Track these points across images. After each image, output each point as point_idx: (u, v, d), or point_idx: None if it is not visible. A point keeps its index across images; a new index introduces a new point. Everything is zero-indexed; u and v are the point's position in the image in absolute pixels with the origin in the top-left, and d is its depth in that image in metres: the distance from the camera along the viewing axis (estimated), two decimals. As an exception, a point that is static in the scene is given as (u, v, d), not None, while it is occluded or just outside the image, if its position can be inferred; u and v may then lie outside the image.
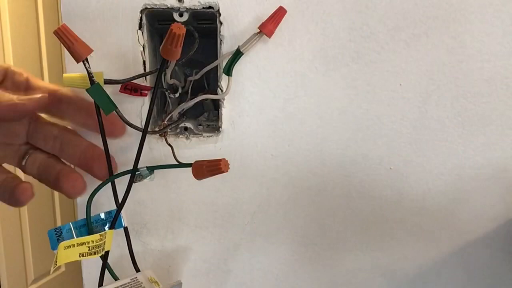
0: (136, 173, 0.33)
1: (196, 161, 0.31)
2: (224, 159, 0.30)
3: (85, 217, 0.32)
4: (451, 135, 0.37)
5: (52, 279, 1.43)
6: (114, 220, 0.33)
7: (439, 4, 0.34)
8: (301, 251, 0.39)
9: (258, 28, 0.32)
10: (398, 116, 0.36)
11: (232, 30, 0.33)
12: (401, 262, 0.40)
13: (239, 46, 0.32)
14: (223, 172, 0.29)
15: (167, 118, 0.34)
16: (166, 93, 0.35)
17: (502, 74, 0.35)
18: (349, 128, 0.36)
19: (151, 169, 0.33)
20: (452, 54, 0.35)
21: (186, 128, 0.36)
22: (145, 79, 0.34)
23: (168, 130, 0.34)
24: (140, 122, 0.35)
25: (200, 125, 0.37)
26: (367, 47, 0.34)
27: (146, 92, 0.34)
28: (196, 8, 0.33)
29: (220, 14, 0.33)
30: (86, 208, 0.32)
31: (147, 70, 0.34)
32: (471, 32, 0.34)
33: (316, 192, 0.38)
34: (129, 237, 0.35)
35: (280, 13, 0.32)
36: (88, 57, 0.33)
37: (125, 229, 0.35)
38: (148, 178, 0.33)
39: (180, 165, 0.32)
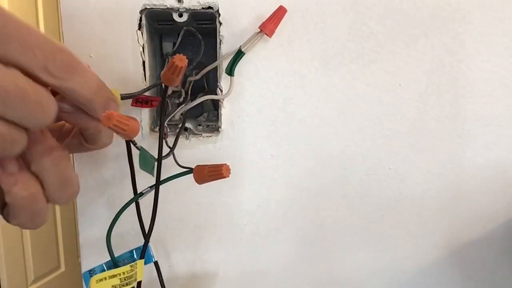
0: (140, 197, 0.32)
1: (198, 166, 0.31)
2: (225, 164, 0.30)
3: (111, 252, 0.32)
4: (450, 135, 0.37)
5: (52, 279, 1.43)
6: (142, 252, 0.33)
7: (438, 4, 0.34)
8: (301, 251, 0.39)
9: (259, 27, 0.32)
10: (398, 116, 0.36)
11: (232, 30, 0.33)
12: (401, 262, 0.40)
13: (240, 46, 0.32)
14: (224, 177, 0.30)
15: (167, 119, 0.34)
16: (171, 100, 0.35)
17: (502, 74, 0.35)
18: (349, 128, 0.36)
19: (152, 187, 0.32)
20: (451, 54, 0.35)
21: (185, 129, 0.36)
22: (145, 78, 0.34)
23: (168, 131, 0.34)
24: (140, 122, 0.35)
25: (199, 125, 0.37)
26: (366, 47, 0.34)
27: (156, 102, 0.34)
28: (195, 8, 0.33)
29: (219, 15, 0.33)
30: (107, 242, 0.32)
31: (147, 70, 0.34)
32: (470, 32, 0.34)
33: (316, 192, 0.38)
34: (160, 270, 0.35)
35: (280, 12, 0.32)
36: (88, 58, 0.33)
37: (156, 263, 0.35)
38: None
39: (182, 174, 0.32)
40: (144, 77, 0.34)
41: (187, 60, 0.27)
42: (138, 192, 0.33)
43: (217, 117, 0.36)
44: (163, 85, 0.29)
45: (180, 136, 0.36)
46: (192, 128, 0.36)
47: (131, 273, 0.31)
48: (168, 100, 0.36)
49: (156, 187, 0.32)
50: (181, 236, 0.38)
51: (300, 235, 0.39)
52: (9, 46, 0.21)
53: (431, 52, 0.35)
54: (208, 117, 0.40)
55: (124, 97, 0.30)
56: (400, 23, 0.34)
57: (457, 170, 0.38)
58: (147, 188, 0.32)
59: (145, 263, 0.33)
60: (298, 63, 0.34)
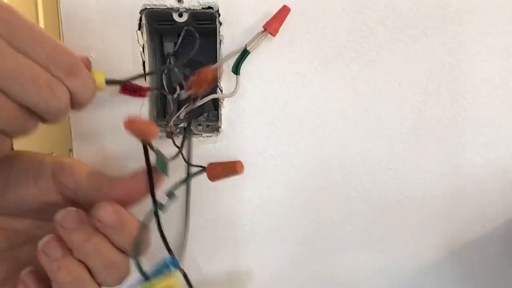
0: (159, 210, 0.31)
1: (210, 164, 0.31)
2: (239, 161, 0.30)
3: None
4: (450, 135, 0.37)
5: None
6: (176, 263, 0.32)
7: (438, 4, 0.34)
8: (301, 251, 0.39)
9: (263, 27, 0.32)
10: (398, 116, 0.36)
11: (232, 30, 0.33)
12: (401, 262, 0.40)
13: (246, 44, 0.32)
14: (238, 173, 0.30)
15: (172, 119, 0.34)
16: (165, 93, 0.35)
17: (502, 74, 0.35)
18: (349, 128, 0.36)
19: (171, 195, 0.31)
20: (451, 54, 0.35)
21: (185, 128, 0.36)
22: (145, 80, 0.34)
23: (176, 131, 0.34)
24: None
25: (199, 125, 0.37)
26: (366, 47, 0.34)
27: (145, 92, 0.34)
28: (195, 8, 0.33)
29: (219, 15, 0.33)
30: (136, 259, 0.30)
31: (147, 70, 0.34)
32: (470, 32, 0.34)
33: (316, 192, 0.38)
34: (189, 279, 0.35)
35: (284, 11, 0.32)
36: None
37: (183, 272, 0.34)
38: (172, 201, 0.32)
39: (196, 173, 0.32)
40: (144, 78, 0.34)
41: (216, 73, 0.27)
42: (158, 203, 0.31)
43: (217, 117, 0.36)
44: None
45: (180, 136, 0.36)
46: (192, 128, 0.36)
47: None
48: (171, 100, 0.37)
49: (187, 199, 0.32)
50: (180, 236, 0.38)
51: (300, 235, 0.39)
52: (19, 38, 0.22)
53: (431, 52, 0.35)
54: (208, 117, 0.40)
55: (109, 81, 0.29)
56: (400, 23, 0.34)
57: (457, 170, 0.38)
58: (168, 199, 0.31)
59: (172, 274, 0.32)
60: (298, 63, 0.34)
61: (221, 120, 0.35)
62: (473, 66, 0.35)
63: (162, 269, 0.32)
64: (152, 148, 0.30)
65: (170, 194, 0.31)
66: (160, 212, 0.31)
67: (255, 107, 0.35)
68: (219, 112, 0.35)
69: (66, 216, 0.27)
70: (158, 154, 0.30)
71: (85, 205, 0.30)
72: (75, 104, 0.26)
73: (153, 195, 0.30)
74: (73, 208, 0.28)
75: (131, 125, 0.26)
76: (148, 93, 0.34)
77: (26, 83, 0.22)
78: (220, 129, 0.36)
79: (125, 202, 0.30)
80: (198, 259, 0.39)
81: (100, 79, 0.28)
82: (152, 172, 0.30)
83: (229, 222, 0.38)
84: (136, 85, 0.33)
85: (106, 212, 0.27)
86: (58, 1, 0.32)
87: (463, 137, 0.37)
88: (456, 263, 0.40)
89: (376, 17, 0.34)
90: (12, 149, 0.42)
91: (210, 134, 0.36)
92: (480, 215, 0.39)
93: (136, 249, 0.29)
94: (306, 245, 0.39)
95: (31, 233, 0.30)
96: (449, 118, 0.36)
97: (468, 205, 0.39)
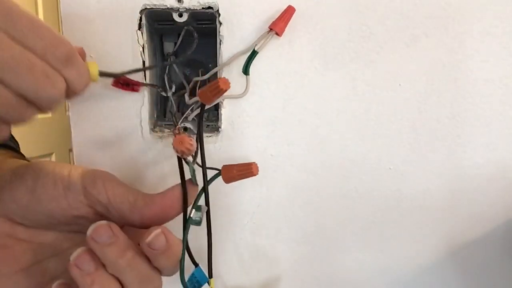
0: (191, 222, 0.31)
1: (225, 166, 0.31)
2: (254, 162, 0.30)
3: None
4: (450, 135, 0.37)
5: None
6: (209, 271, 0.32)
7: (438, 4, 0.34)
8: (301, 251, 0.39)
9: (269, 27, 0.32)
10: (398, 116, 0.36)
11: (232, 30, 0.33)
12: (401, 262, 0.40)
13: (255, 43, 0.32)
14: (254, 175, 0.30)
15: (180, 120, 0.34)
16: (159, 90, 0.35)
17: (502, 74, 0.35)
18: (348, 128, 0.36)
19: (197, 207, 0.31)
20: (451, 54, 0.35)
21: (185, 129, 0.36)
22: (144, 77, 0.34)
23: (183, 133, 0.34)
24: (139, 122, 0.35)
25: (199, 125, 0.37)
26: (366, 47, 0.34)
27: (138, 87, 0.34)
28: (195, 8, 0.33)
29: (219, 15, 0.33)
30: (181, 278, 0.31)
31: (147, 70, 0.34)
32: (470, 32, 0.34)
33: (316, 192, 0.38)
34: None
35: (290, 11, 0.32)
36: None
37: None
38: (203, 212, 0.32)
39: (213, 177, 0.32)
40: (144, 77, 0.34)
41: (230, 84, 0.27)
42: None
43: (217, 117, 0.36)
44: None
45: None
46: (192, 128, 0.36)
47: None
48: (172, 100, 0.36)
49: (207, 206, 0.31)
50: (181, 236, 0.38)
51: (300, 235, 0.39)
52: (16, 28, 0.22)
53: (431, 52, 0.35)
54: (208, 117, 0.40)
55: (102, 73, 0.29)
56: (400, 23, 0.34)
57: (457, 170, 0.38)
58: (192, 211, 0.31)
59: (202, 283, 0.33)
60: (298, 63, 0.34)
61: (221, 120, 0.35)
62: (473, 66, 0.35)
63: (192, 281, 0.32)
64: (186, 160, 0.30)
65: (198, 207, 0.31)
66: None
67: (255, 107, 0.35)
68: (219, 112, 0.35)
69: (99, 230, 0.26)
70: (191, 165, 0.30)
71: (116, 220, 0.29)
72: (70, 93, 0.26)
73: (186, 209, 0.30)
74: (106, 222, 0.27)
75: (180, 145, 0.26)
76: (140, 88, 0.34)
77: (23, 73, 0.23)
78: (220, 129, 0.36)
79: (160, 219, 0.29)
80: (198, 259, 0.39)
81: (94, 70, 0.28)
82: (187, 185, 0.30)
83: (229, 222, 0.38)
84: (129, 79, 0.33)
85: (157, 239, 0.27)
86: (58, 1, 0.32)
87: (463, 137, 0.37)
88: (456, 263, 0.40)
89: (376, 17, 0.34)
90: (18, 147, 0.41)
91: (210, 134, 0.36)
92: (480, 215, 0.39)
93: (181, 268, 0.29)
94: (306, 245, 0.39)
95: (58, 245, 0.30)
96: (449, 118, 0.36)
97: (468, 205, 0.39)
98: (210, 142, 0.36)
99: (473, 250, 0.40)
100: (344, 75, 0.35)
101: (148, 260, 0.28)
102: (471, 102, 0.36)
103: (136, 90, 0.34)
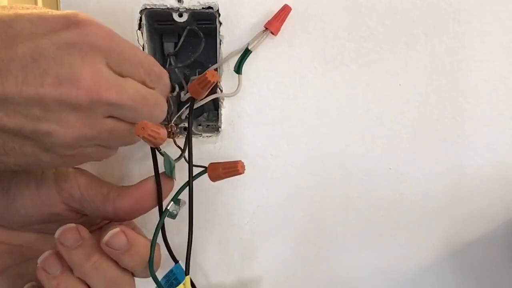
0: (167, 214, 0.30)
1: (211, 164, 0.31)
2: (241, 161, 0.30)
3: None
4: (450, 135, 0.37)
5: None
6: (187, 269, 0.32)
7: (438, 4, 0.34)
8: (301, 251, 0.39)
9: (265, 26, 0.32)
10: (398, 116, 0.36)
11: (232, 30, 0.33)
12: (401, 262, 0.40)
13: (248, 43, 0.32)
14: (240, 174, 0.30)
15: (174, 119, 0.34)
16: (172, 97, 0.35)
17: (502, 74, 0.35)
18: (348, 128, 0.36)
19: (177, 200, 0.31)
20: (451, 54, 0.35)
21: (185, 129, 0.36)
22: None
23: (177, 131, 0.34)
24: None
25: (199, 125, 0.37)
26: (366, 47, 0.34)
27: None
28: (195, 8, 0.33)
29: (219, 15, 0.33)
30: (151, 271, 0.29)
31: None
32: (470, 32, 0.34)
33: (316, 192, 0.38)
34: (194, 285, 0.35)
35: (285, 11, 0.32)
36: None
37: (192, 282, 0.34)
38: (181, 207, 0.31)
39: (198, 174, 0.31)
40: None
41: (218, 76, 0.27)
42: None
43: (217, 117, 0.36)
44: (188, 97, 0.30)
45: (180, 136, 0.36)
46: (192, 128, 0.36)
47: None
48: (171, 100, 0.36)
49: (190, 202, 0.31)
50: (181, 236, 0.38)
51: (300, 235, 0.39)
52: (124, 64, 0.24)
53: (431, 52, 0.35)
54: (208, 117, 0.40)
55: None
56: (400, 23, 0.34)
57: (457, 170, 0.38)
58: (170, 203, 0.30)
59: (181, 280, 0.32)
60: (298, 63, 0.34)
61: (221, 120, 0.35)
62: (473, 66, 0.35)
63: (170, 278, 0.32)
64: (160, 152, 0.30)
65: (177, 201, 0.31)
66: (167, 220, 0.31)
67: (255, 107, 0.35)
68: (219, 112, 0.35)
69: (66, 233, 0.26)
70: (166, 157, 0.30)
71: (91, 216, 0.29)
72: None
73: (160, 202, 0.30)
74: (74, 225, 0.27)
75: (142, 131, 0.25)
76: None
77: (139, 108, 0.25)
78: (220, 129, 0.36)
79: (134, 212, 0.29)
80: (198, 259, 0.39)
81: None
82: (161, 177, 0.29)
83: (229, 222, 0.38)
84: None
85: (116, 238, 0.27)
86: (58, 1, 0.32)
87: (463, 137, 0.37)
88: (456, 263, 0.40)
89: (376, 17, 0.34)
90: None
91: (210, 134, 0.36)
92: (480, 215, 0.39)
93: (150, 268, 0.29)
94: (306, 245, 0.39)
95: (37, 248, 0.30)
96: (449, 118, 0.36)
97: (468, 205, 0.39)
98: (210, 142, 0.36)
99: (473, 250, 0.40)
100: (344, 75, 0.35)
101: (116, 263, 0.28)
102: (471, 102, 0.36)
103: None
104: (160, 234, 0.31)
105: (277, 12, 0.32)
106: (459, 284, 0.41)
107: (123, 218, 0.29)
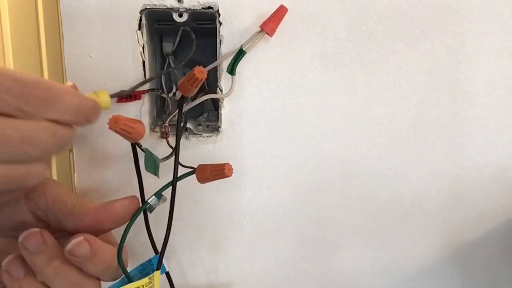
0: (147, 206, 0.31)
1: (200, 166, 0.31)
2: (228, 163, 0.30)
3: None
4: (450, 135, 0.37)
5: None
6: (159, 263, 0.32)
7: (438, 4, 0.34)
8: (301, 251, 0.39)
9: (260, 27, 0.32)
10: (398, 116, 0.36)
11: (232, 30, 0.33)
12: (401, 262, 0.40)
13: (242, 45, 0.32)
14: (227, 176, 0.30)
15: (168, 119, 0.34)
16: (162, 94, 0.35)
17: (502, 74, 0.35)
18: (348, 128, 0.36)
19: (159, 196, 0.31)
20: (451, 54, 0.35)
21: (186, 129, 0.36)
22: (144, 76, 0.34)
23: (169, 130, 0.34)
24: (144, 124, 0.35)
25: (199, 125, 0.37)
26: (366, 47, 0.34)
27: (140, 95, 0.34)
28: (195, 8, 0.33)
29: (219, 15, 0.33)
30: (119, 260, 0.30)
31: (147, 70, 0.34)
32: (470, 32, 0.34)
33: (316, 192, 0.38)
34: (172, 281, 0.35)
35: (281, 11, 0.32)
36: (88, 58, 0.33)
37: (167, 274, 0.34)
38: (161, 202, 0.32)
39: (185, 174, 0.31)
40: (144, 77, 0.34)
41: (206, 73, 0.27)
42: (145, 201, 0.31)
43: (217, 117, 0.36)
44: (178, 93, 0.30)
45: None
46: (192, 128, 0.36)
47: (150, 285, 0.30)
48: (169, 100, 0.37)
49: (172, 196, 0.31)
50: (181, 236, 0.38)
51: (300, 235, 0.39)
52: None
53: (431, 52, 0.35)
54: (208, 117, 0.40)
55: (114, 95, 0.30)
56: (400, 23, 0.34)
57: (457, 170, 0.38)
58: (152, 197, 0.31)
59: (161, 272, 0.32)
60: (298, 63, 0.34)
61: (221, 120, 0.35)
62: (473, 66, 0.35)
63: (145, 269, 0.32)
64: (141, 148, 0.30)
65: (159, 196, 0.31)
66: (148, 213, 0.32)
67: (255, 107, 0.35)
68: (219, 112, 0.35)
69: (30, 238, 0.26)
70: (148, 154, 0.30)
71: (54, 226, 0.29)
72: (76, 124, 0.25)
73: (142, 194, 0.30)
74: (37, 230, 0.27)
75: (114, 125, 0.25)
76: (143, 95, 0.34)
77: (11, 149, 0.22)
78: (220, 129, 0.36)
79: (94, 231, 0.29)
80: (198, 259, 0.39)
81: (105, 98, 0.28)
82: (128, 199, 0.30)
83: (229, 222, 0.38)
84: (133, 91, 0.33)
85: (79, 246, 0.26)
86: (58, 1, 0.32)
87: (463, 137, 0.37)
88: (456, 263, 0.40)
89: (376, 17, 0.34)
90: None
91: (210, 134, 0.36)
92: (480, 215, 0.39)
93: (118, 257, 0.29)
94: (306, 245, 0.39)
95: (7, 251, 0.29)
96: (449, 118, 0.36)
97: (468, 205, 0.39)
98: (210, 142, 0.36)
99: (473, 250, 0.40)
100: (343, 75, 0.35)
101: (79, 268, 0.28)
102: (471, 102, 0.36)
103: (139, 98, 0.34)
104: (144, 228, 0.32)
105: (272, 13, 0.32)
106: (458, 283, 0.41)
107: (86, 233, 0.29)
